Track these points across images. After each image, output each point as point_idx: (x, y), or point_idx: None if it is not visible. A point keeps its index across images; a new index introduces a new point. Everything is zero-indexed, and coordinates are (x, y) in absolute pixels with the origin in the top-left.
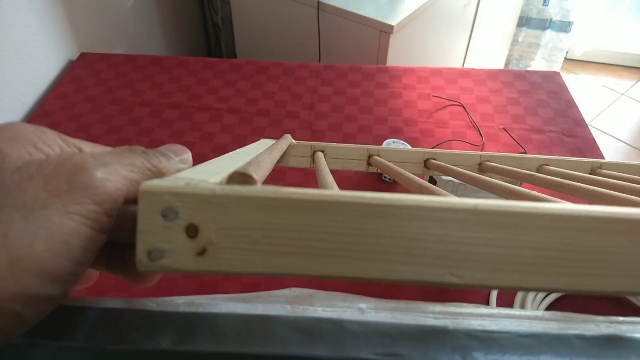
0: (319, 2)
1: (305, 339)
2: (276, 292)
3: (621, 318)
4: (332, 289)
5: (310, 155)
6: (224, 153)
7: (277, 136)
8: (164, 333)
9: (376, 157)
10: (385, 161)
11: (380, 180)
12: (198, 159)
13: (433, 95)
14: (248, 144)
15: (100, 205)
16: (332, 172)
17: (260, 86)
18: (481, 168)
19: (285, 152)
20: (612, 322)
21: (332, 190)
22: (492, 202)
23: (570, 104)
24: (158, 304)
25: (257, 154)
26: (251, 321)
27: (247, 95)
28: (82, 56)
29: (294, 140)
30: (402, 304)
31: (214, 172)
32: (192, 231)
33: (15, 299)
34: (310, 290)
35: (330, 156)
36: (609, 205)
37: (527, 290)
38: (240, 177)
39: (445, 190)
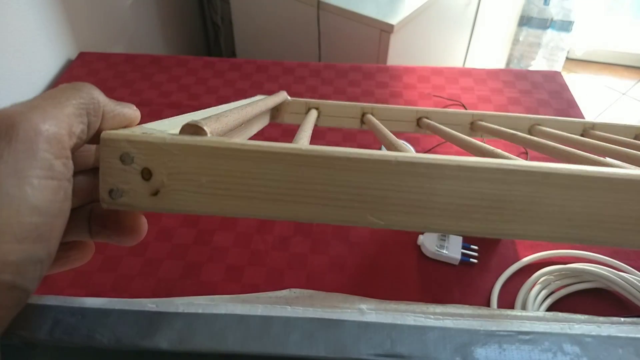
0: (319, 2)
1: (305, 340)
2: (276, 292)
3: (622, 319)
4: (332, 289)
5: (305, 112)
6: None
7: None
8: (163, 333)
9: (369, 116)
10: (376, 121)
11: None
12: None
13: (434, 95)
14: None
15: (45, 151)
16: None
17: (260, 85)
18: (473, 127)
19: (280, 109)
20: (612, 323)
21: (269, 142)
22: (409, 155)
23: (572, 104)
24: (157, 305)
25: (228, 109)
26: (251, 322)
27: (247, 94)
28: (81, 55)
29: (289, 97)
30: (402, 305)
31: (178, 124)
32: (146, 174)
33: (1, 270)
34: (310, 291)
35: (325, 114)
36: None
37: (438, 231)
38: (191, 128)
39: None
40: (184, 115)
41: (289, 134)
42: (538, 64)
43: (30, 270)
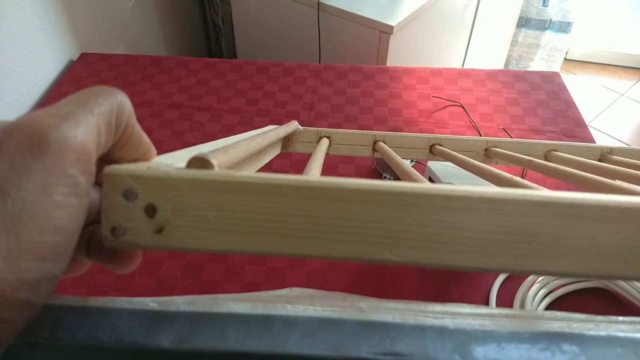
0: (319, 3)
1: (305, 338)
2: (276, 292)
3: (621, 318)
4: (331, 288)
5: (316, 141)
6: None
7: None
8: (165, 332)
9: (380, 144)
10: (388, 149)
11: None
12: None
13: (433, 96)
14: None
15: (73, 167)
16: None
17: (261, 86)
18: (487, 154)
19: (291, 139)
20: (611, 322)
21: (278, 175)
22: (426, 186)
23: (570, 105)
24: (158, 304)
25: (239, 139)
26: (251, 321)
27: (248, 95)
28: (83, 56)
29: (300, 127)
30: (401, 304)
31: (185, 157)
32: (150, 211)
33: (18, 288)
34: (310, 290)
35: (336, 142)
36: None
37: (459, 268)
38: (197, 161)
39: None
40: (195, 147)
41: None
42: (537, 64)
43: (45, 287)
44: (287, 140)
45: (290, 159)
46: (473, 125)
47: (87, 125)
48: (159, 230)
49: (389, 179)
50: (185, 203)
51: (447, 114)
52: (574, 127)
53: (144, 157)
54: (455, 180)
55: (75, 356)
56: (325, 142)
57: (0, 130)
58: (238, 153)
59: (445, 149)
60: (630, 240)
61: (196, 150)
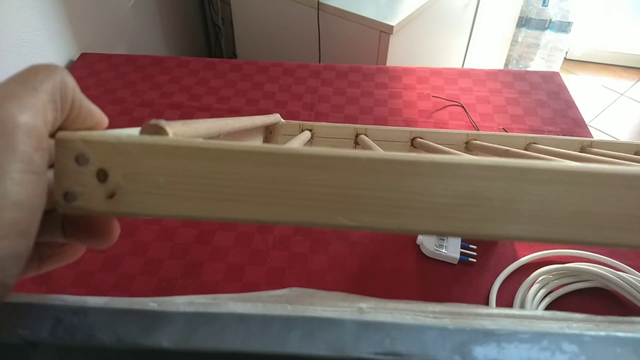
0: (319, 3)
1: (305, 338)
2: (276, 291)
3: (621, 318)
4: (331, 288)
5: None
6: None
7: None
8: (165, 332)
9: (362, 136)
10: (370, 141)
11: None
12: None
13: (433, 96)
14: None
15: (24, 144)
16: None
17: (261, 86)
18: (468, 146)
19: (274, 131)
20: (611, 322)
21: (231, 142)
22: (376, 153)
23: (570, 104)
24: (158, 304)
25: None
26: (251, 321)
27: (248, 95)
28: (83, 56)
29: (282, 120)
30: (401, 304)
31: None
32: (102, 176)
33: None
34: (311, 290)
35: (318, 135)
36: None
37: (412, 232)
38: (152, 128)
39: None
40: None
41: None
42: (536, 64)
43: (11, 266)
44: (269, 133)
45: None
46: (473, 125)
47: (32, 103)
48: (111, 196)
49: None
50: (136, 168)
51: (447, 114)
52: (574, 127)
53: (97, 128)
54: None
55: (75, 356)
56: (306, 134)
57: None
58: (199, 127)
59: (426, 141)
60: (580, 205)
61: None
